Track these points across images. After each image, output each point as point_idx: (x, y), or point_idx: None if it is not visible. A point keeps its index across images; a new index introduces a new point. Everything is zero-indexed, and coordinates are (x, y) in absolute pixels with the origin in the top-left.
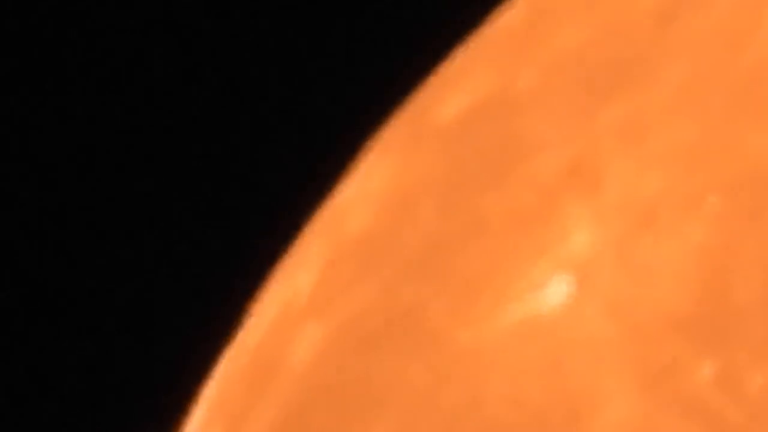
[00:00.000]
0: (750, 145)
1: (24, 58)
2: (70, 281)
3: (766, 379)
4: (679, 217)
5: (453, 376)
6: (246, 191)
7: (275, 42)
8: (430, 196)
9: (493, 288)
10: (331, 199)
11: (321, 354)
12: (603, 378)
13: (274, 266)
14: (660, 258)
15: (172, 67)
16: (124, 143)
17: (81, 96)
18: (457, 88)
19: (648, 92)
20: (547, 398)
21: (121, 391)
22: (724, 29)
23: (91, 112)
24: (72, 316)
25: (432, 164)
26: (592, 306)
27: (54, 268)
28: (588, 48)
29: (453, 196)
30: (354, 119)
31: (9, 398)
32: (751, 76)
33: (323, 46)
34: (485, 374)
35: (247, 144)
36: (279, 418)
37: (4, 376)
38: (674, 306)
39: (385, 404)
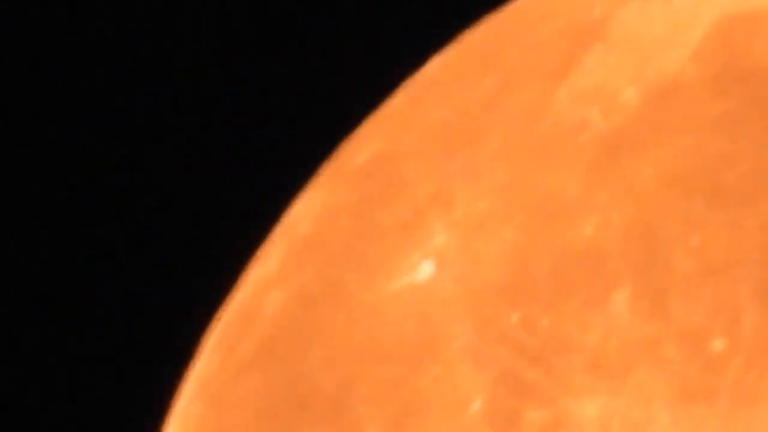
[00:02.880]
0: (544, 181)
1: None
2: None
3: (550, 321)
4: (499, 226)
5: (361, 322)
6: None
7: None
8: (347, 213)
9: (386, 269)
10: (286, 215)
11: (283, 308)
12: (452, 323)
13: (251, 258)
14: (488, 250)
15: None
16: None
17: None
18: (362, 147)
19: (481, 150)
20: (416, 335)
21: (106, 377)
22: (526, 107)
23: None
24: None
25: (348, 193)
26: (446, 279)
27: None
28: (444, 122)
29: (362, 213)
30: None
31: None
32: (546, 136)
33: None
34: (380, 323)
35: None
36: (253, 350)
37: None
38: (497, 278)
39: (320, 338)
